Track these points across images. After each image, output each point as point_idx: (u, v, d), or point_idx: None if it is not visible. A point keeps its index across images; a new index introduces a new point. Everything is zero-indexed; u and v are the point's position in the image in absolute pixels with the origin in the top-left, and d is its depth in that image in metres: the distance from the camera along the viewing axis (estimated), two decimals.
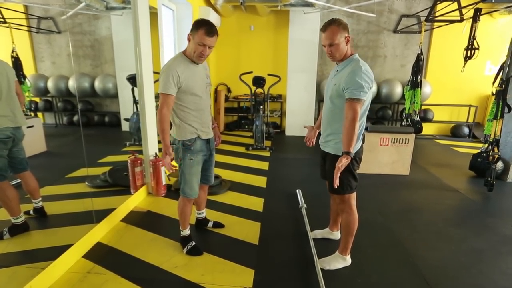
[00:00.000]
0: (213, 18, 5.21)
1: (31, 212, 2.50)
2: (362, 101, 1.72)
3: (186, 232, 2.28)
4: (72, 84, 4.32)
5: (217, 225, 2.61)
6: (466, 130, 6.37)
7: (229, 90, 6.73)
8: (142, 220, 2.75)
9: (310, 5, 5.31)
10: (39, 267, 1.88)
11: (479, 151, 3.90)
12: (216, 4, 5.16)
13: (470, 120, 6.38)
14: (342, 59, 1.86)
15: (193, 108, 2.01)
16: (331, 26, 1.76)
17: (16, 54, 2.96)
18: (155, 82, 3.31)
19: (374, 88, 5.96)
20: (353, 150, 1.74)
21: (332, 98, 1.88)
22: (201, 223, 2.59)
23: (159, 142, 3.43)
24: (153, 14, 3.77)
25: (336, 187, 1.78)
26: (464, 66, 4.35)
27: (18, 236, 2.27)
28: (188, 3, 4.50)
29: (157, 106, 3.46)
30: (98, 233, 2.40)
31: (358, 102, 1.70)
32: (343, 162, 1.70)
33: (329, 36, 1.77)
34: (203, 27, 1.84)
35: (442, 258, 2.27)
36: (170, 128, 2.08)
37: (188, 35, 1.92)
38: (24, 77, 3.10)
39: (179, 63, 1.92)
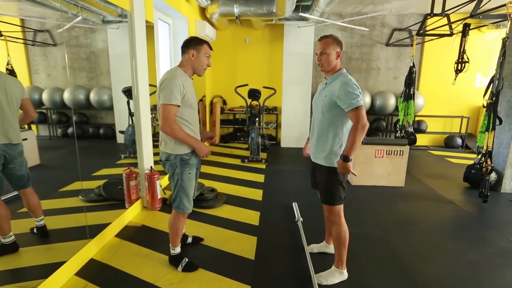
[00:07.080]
0: (209, 31, 5.28)
1: (35, 230, 2.43)
2: (362, 106, 1.81)
3: (177, 250, 2.22)
4: (67, 96, 4.29)
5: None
6: (459, 140, 6.44)
7: (224, 102, 6.75)
8: (137, 235, 2.70)
9: (305, 19, 5.40)
10: (29, 286, 1.83)
11: (472, 162, 3.94)
12: (212, 18, 5.23)
13: (463, 131, 6.46)
14: (330, 72, 1.97)
15: (190, 121, 2.04)
16: (327, 38, 1.94)
17: (11, 67, 2.95)
18: (151, 94, 3.31)
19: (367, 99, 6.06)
20: (351, 156, 1.82)
21: (323, 110, 1.96)
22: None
23: (154, 154, 3.41)
24: (149, 28, 3.79)
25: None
26: (455, 79, 4.44)
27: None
28: (184, 17, 4.55)
29: (153, 119, 3.50)
30: (91, 250, 2.35)
31: (360, 109, 1.80)
32: (344, 168, 1.82)
33: (322, 46, 1.93)
34: (204, 42, 2.03)
35: (440, 271, 2.26)
36: (161, 144, 2.06)
37: (191, 51, 1.98)
38: None
39: (181, 75, 1.96)
